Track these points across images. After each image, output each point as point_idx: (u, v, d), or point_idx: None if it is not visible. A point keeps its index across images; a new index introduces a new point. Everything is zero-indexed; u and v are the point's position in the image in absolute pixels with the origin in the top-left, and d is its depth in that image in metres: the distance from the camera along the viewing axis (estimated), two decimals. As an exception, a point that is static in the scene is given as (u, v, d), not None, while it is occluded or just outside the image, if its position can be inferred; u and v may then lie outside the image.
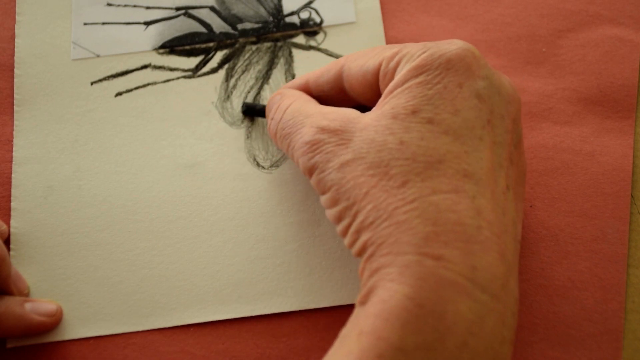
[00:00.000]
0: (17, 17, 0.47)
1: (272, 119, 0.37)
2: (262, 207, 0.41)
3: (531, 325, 0.37)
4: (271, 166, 0.42)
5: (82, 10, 0.47)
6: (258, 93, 0.44)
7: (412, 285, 0.28)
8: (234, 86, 0.45)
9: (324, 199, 0.32)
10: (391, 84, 0.32)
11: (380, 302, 0.28)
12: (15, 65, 0.45)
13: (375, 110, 0.33)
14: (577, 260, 0.38)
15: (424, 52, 0.32)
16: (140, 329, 0.38)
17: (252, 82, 0.45)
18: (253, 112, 0.43)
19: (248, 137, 0.43)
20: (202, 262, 0.40)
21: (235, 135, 0.43)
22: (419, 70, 0.32)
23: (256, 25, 0.46)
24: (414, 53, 0.33)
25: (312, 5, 0.47)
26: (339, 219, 0.31)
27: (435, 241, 0.28)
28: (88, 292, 0.39)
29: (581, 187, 0.40)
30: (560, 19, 0.45)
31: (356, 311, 0.29)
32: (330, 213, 0.32)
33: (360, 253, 0.30)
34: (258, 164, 0.42)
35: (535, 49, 0.45)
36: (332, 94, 0.38)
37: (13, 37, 0.46)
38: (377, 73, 0.34)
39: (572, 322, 0.37)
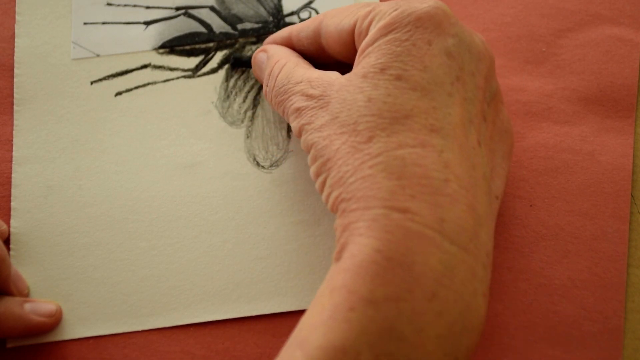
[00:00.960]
0: (17, 16, 0.47)
1: (266, 85, 0.38)
2: (262, 206, 0.41)
3: (531, 325, 0.37)
4: (271, 166, 0.42)
5: (82, 10, 0.47)
6: (258, 93, 0.44)
7: (380, 239, 0.28)
8: (234, 86, 0.45)
9: (308, 157, 0.33)
10: (363, 43, 0.33)
11: (350, 257, 0.28)
12: (15, 65, 0.45)
13: (352, 71, 0.34)
14: (577, 259, 0.38)
15: (394, 10, 0.33)
16: (140, 328, 0.38)
17: (252, 81, 0.45)
18: (241, 63, 0.44)
19: (248, 137, 0.43)
20: (202, 262, 0.40)
21: (235, 135, 0.43)
22: (389, 28, 0.32)
23: (256, 25, 0.46)
24: (385, 11, 0.33)
25: (312, 5, 0.47)
26: (317, 174, 0.32)
27: (401, 194, 0.29)
28: (88, 292, 0.39)
29: (581, 187, 0.40)
30: (560, 19, 0.45)
31: (331, 268, 0.30)
32: (312, 170, 0.33)
33: (333, 209, 0.31)
34: (258, 164, 0.42)
35: (535, 49, 0.45)
36: (312, 50, 0.39)
37: (13, 36, 0.46)
38: (352, 32, 0.35)
39: (572, 321, 0.37)
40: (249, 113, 0.44)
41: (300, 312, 0.38)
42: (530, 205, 0.40)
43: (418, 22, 0.32)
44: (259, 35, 0.46)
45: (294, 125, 0.35)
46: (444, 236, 0.28)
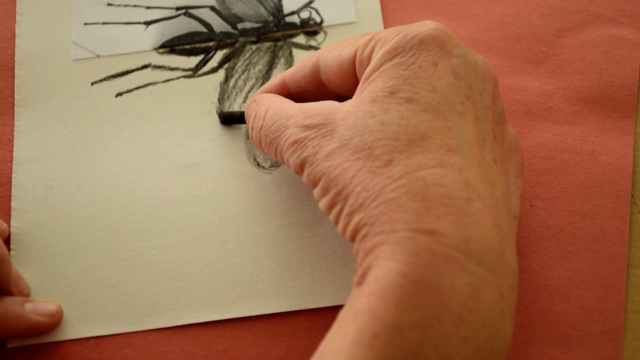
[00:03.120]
0: (17, 17, 0.47)
1: (252, 128, 0.37)
2: (263, 207, 0.41)
3: (531, 325, 0.37)
4: (271, 166, 0.42)
5: (82, 10, 0.47)
6: (258, 93, 0.44)
7: (406, 262, 0.28)
8: (234, 86, 0.45)
9: (315, 191, 0.32)
10: (367, 70, 0.33)
11: (375, 281, 0.28)
12: (16, 65, 0.45)
13: (354, 97, 0.33)
14: (578, 259, 0.38)
15: (396, 35, 0.33)
16: (140, 329, 0.38)
17: (252, 81, 0.45)
18: (232, 120, 0.43)
19: (248, 137, 0.43)
20: (202, 262, 0.40)
21: (236, 135, 0.43)
22: (393, 53, 0.32)
23: (256, 25, 0.46)
24: (387, 37, 0.33)
25: (313, 5, 0.47)
26: (330, 206, 0.31)
27: (426, 216, 0.28)
28: (88, 292, 0.39)
29: (581, 187, 0.40)
30: (560, 19, 0.45)
31: (353, 292, 0.29)
32: (322, 203, 0.32)
33: (353, 235, 0.30)
34: (258, 164, 0.42)
35: (536, 49, 0.45)
36: (311, 89, 0.38)
37: (13, 37, 0.46)
38: (353, 62, 0.35)
39: (573, 321, 0.37)
40: (249, 113, 0.44)
41: (301, 312, 0.38)
42: (531, 206, 0.40)
43: (422, 45, 0.32)
44: (259, 35, 0.46)
45: (292, 160, 0.33)
46: (471, 257, 0.28)
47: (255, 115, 0.37)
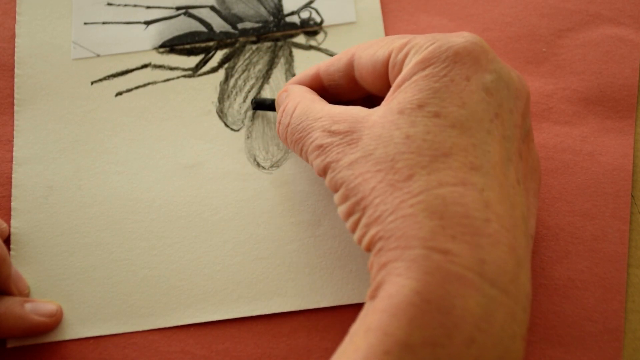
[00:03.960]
0: (17, 17, 0.47)
1: (279, 122, 0.37)
2: (263, 207, 0.41)
3: (531, 325, 0.37)
4: (271, 166, 0.42)
5: (82, 10, 0.47)
6: (258, 92, 0.44)
7: (419, 280, 0.27)
8: (234, 85, 0.45)
9: (336, 196, 0.32)
10: (399, 78, 0.32)
11: (388, 297, 0.28)
12: (16, 65, 0.45)
13: (383, 105, 0.33)
14: (578, 259, 0.38)
15: (431, 44, 0.32)
16: (140, 329, 0.38)
17: (252, 81, 0.45)
18: (263, 107, 0.43)
19: (248, 137, 0.43)
20: (202, 262, 0.40)
21: (236, 135, 0.43)
22: (426, 63, 0.32)
23: (256, 25, 0.46)
24: (422, 45, 0.32)
25: (313, 5, 0.47)
26: (348, 214, 0.31)
27: (442, 235, 0.28)
28: (88, 292, 0.39)
29: (581, 187, 0.40)
30: (560, 19, 0.45)
31: (365, 306, 0.29)
32: (341, 209, 0.32)
33: (369, 247, 0.30)
34: (258, 164, 0.42)
35: (536, 49, 0.45)
36: (343, 83, 0.38)
37: (13, 36, 0.46)
38: (386, 63, 0.34)
39: (573, 321, 0.37)
40: (249, 113, 0.44)
41: (301, 312, 0.38)
42: (531, 206, 0.40)
43: (456, 57, 0.31)
44: (259, 35, 0.46)
45: (316, 164, 0.33)
46: (484, 278, 0.28)
47: (284, 111, 0.37)
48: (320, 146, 0.33)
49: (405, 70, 0.32)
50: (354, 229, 0.31)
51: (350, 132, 0.32)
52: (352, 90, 0.38)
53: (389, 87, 0.34)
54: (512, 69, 0.33)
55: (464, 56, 0.31)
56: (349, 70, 0.37)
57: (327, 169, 0.32)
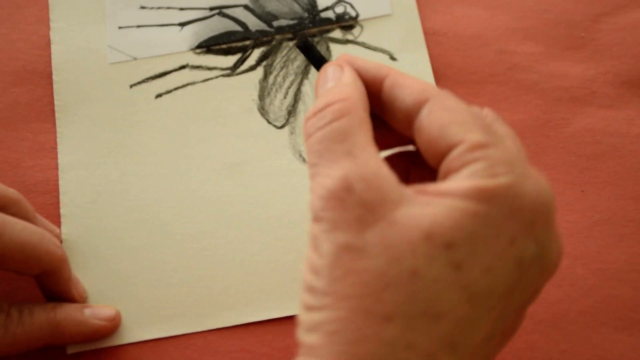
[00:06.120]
0: (51, 24, 0.46)
1: (313, 114, 0.29)
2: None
3: (592, 310, 0.37)
4: (319, 162, 0.42)
5: (115, 14, 0.47)
6: (298, 89, 0.44)
7: None
8: (274, 82, 0.45)
9: (311, 255, 0.27)
10: (451, 189, 0.26)
11: None
12: (53, 71, 0.45)
13: (414, 200, 0.26)
14: (632, 242, 0.38)
15: (505, 177, 0.26)
16: (198, 329, 0.38)
17: (291, 77, 0.45)
18: (307, 53, 0.35)
19: (292, 133, 0.43)
20: (255, 261, 0.39)
21: (279, 132, 0.43)
22: (486, 195, 0.26)
23: (292, 22, 0.46)
24: (495, 166, 0.26)
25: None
26: (309, 291, 0.27)
27: None
28: (143, 295, 0.39)
29: (630, 170, 0.40)
30: (596, 4, 0.45)
31: None
32: (306, 279, 0.27)
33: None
34: (304, 160, 0.42)
35: (574, 35, 0.45)
36: (388, 116, 0.31)
37: (48, 44, 0.46)
38: (445, 148, 0.27)
39: (633, 304, 0.37)
40: (291, 109, 0.44)
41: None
42: (582, 191, 0.40)
43: (519, 213, 0.26)
44: (295, 32, 0.46)
45: (313, 205, 0.27)
46: None
47: (325, 106, 0.29)
48: (329, 191, 0.26)
49: (461, 186, 0.26)
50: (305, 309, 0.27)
51: (369, 207, 0.26)
52: (388, 127, 0.31)
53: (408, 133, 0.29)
54: (559, 239, 0.28)
55: (526, 213, 0.26)
56: (409, 116, 0.29)
57: (319, 220, 0.27)
